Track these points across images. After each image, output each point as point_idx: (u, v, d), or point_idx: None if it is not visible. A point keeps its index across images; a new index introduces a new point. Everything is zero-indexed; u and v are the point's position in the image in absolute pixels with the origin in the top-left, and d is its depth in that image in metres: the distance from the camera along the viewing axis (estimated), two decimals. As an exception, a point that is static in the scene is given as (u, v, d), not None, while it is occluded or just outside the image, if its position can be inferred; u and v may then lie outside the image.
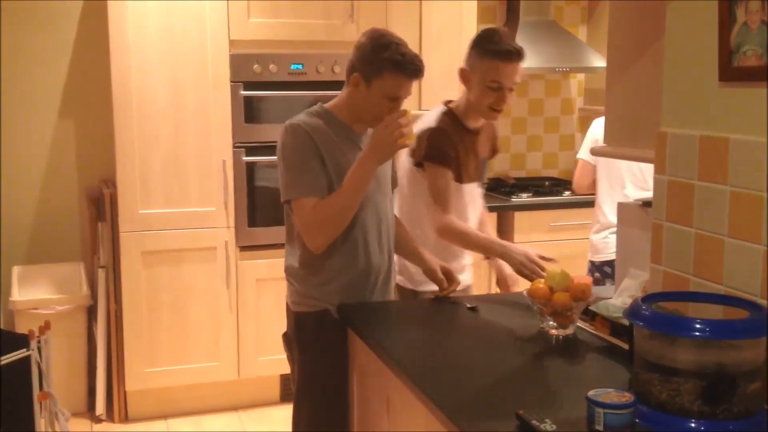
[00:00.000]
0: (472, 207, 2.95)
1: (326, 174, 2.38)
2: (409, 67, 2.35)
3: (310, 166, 2.35)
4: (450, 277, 2.64)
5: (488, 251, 2.83)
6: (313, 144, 2.36)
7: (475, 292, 3.15)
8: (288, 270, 2.54)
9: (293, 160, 2.37)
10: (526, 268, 2.63)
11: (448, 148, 2.76)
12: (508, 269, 2.88)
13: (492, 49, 2.67)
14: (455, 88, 4.66)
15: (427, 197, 2.81)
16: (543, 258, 2.67)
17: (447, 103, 2.89)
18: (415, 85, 4.61)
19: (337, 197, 2.36)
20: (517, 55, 2.68)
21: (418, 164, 2.83)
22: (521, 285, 2.79)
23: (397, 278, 2.94)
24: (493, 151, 3.05)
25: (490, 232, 3.13)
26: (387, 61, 2.34)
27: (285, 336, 2.62)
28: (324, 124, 2.41)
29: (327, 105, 2.48)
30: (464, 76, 2.78)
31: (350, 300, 2.48)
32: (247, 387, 4.24)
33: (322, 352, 2.48)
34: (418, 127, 2.82)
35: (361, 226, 2.46)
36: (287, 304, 2.58)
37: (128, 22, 3.83)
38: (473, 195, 2.94)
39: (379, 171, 2.48)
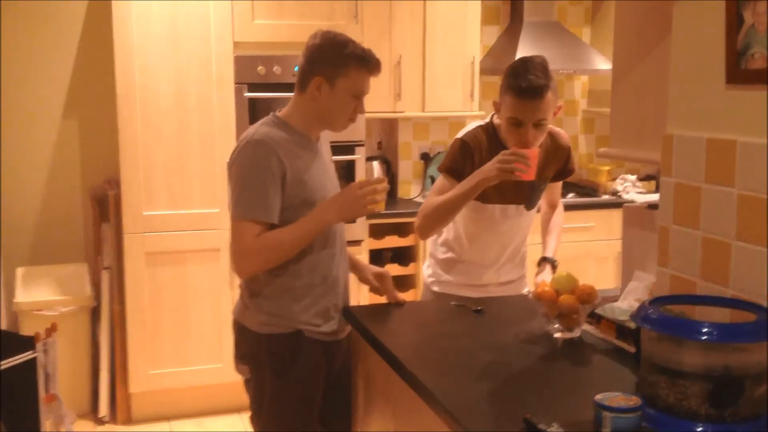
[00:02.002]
0: (506, 229, 2.76)
1: (285, 190, 2.27)
2: (372, 60, 2.30)
3: (265, 188, 2.24)
4: (382, 280, 2.56)
5: (465, 197, 2.52)
6: (276, 161, 2.25)
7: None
8: (251, 290, 2.39)
9: (249, 180, 2.25)
10: (504, 166, 2.41)
11: (466, 163, 2.60)
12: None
13: (510, 84, 2.49)
14: (459, 89, 4.70)
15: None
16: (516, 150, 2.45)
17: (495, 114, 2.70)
18: (418, 86, 4.71)
19: (285, 236, 2.26)
20: (535, 92, 2.44)
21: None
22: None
23: (425, 272, 2.94)
24: (564, 172, 2.84)
25: (549, 242, 2.93)
26: (351, 58, 2.27)
27: (243, 358, 2.43)
28: (284, 134, 2.31)
29: (281, 114, 2.37)
30: (496, 107, 2.62)
31: (322, 315, 2.39)
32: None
33: (299, 374, 2.37)
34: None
35: (331, 240, 2.40)
36: (242, 324, 2.41)
37: (132, 23, 3.83)
38: (507, 216, 2.73)
39: (335, 175, 2.47)
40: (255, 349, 2.39)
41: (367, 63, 2.29)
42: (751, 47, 1.67)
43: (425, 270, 2.96)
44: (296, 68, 2.40)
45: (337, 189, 2.45)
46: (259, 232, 2.25)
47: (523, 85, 2.45)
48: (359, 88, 2.30)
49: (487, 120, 2.72)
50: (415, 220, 2.70)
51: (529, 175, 2.45)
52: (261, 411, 2.43)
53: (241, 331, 2.43)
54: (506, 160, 2.42)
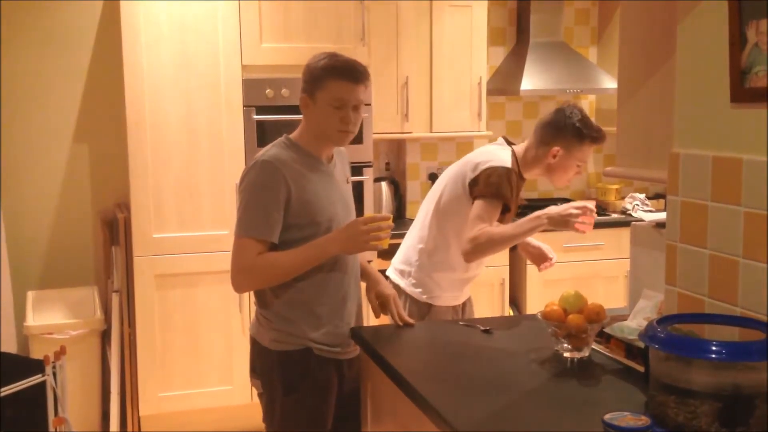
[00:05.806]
0: None
1: (290, 210, 2.32)
2: (346, 68, 2.34)
3: (268, 208, 2.30)
4: (386, 301, 2.55)
5: (524, 236, 2.85)
6: (282, 181, 2.30)
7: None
8: (262, 307, 2.44)
9: (253, 199, 2.32)
10: (574, 219, 2.75)
11: (512, 191, 2.84)
12: (532, 244, 3.05)
13: (590, 135, 2.90)
14: (466, 109, 4.72)
15: (458, 226, 2.85)
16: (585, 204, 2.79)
17: (509, 143, 2.97)
18: (425, 106, 4.73)
19: (286, 259, 2.32)
20: (604, 138, 2.99)
21: (477, 197, 2.82)
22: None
23: (413, 291, 2.96)
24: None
25: None
26: (323, 70, 2.34)
27: (256, 373, 2.49)
28: (294, 155, 2.37)
29: (292, 136, 2.44)
30: (555, 153, 2.90)
31: (333, 334, 2.42)
32: (260, 411, 4.21)
33: (309, 392, 2.40)
34: (484, 158, 2.86)
35: (342, 260, 2.42)
36: (257, 340, 2.46)
37: (142, 47, 3.87)
38: None
39: (349, 197, 2.52)
40: (267, 365, 2.44)
41: (341, 72, 2.32)
42: (755, 66, 1.67)
43: (413, 288, 2.97)
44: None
45: (349, 210, 2.50)
46: (260, 250, 2.31)
47: (600, 135, 2.94)
48: (338, 97, 2.32)
49: (508, 148, 2.91)
50: (464, 245, 2.79)
51: (589, 228, 2.76)
52: (272, 425, 2.48)
53: (255, 346, 2.49)
54: (576, 214, 2.74)
